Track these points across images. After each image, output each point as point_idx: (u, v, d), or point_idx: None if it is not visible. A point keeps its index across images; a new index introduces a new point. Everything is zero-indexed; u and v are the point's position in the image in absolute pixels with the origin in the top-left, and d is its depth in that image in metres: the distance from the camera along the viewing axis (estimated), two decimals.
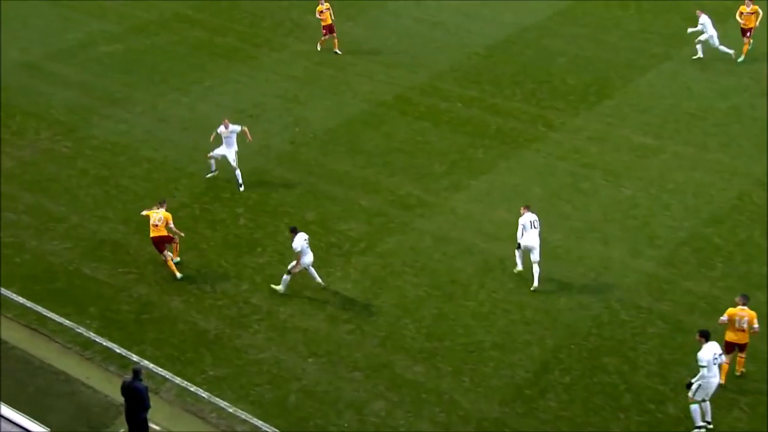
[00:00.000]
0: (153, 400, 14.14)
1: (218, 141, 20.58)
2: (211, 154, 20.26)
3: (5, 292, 17.22)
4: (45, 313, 16.79)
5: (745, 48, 26.39)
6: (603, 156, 22.26)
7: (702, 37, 26.23)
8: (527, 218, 17.62)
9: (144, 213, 18.17)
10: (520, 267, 17.91)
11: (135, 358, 15.89)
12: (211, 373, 15.69)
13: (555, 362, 16.04)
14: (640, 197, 20.69)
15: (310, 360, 16.06)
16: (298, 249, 16.96)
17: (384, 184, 21.26)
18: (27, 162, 21.29)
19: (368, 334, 16.67)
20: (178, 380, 15.49)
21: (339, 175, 21.55)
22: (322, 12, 26.90)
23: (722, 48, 26.22)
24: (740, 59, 26.27)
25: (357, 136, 23.22)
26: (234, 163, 20.40)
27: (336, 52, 26.97)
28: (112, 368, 15.68)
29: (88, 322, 16.66)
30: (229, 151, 20.39)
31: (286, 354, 16.15)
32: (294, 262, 17.17)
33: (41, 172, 20.98)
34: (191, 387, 15.41)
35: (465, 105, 24.78)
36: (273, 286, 17.57)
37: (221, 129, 20.44)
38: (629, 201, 20.57)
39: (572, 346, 16.39)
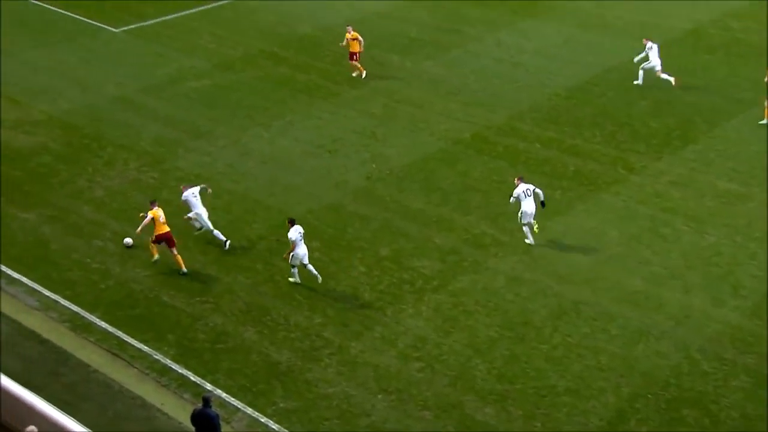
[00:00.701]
0: (224, 429, 14.34)
1: (188, 207, 20.10)
2: (189, 215, 20.10)
3: (90, 316, 17.86)
4: (125, 339, 17.32)
5: None
6: (686, 201, 21.70)
7: (645, 65, 27.22)
8: (521, 188, 19.75)
9: (147, 215, 18.79)
10: (530, 240, 19.96)
11: (209, 386, 16.19)
12: (281, 405, 15.83)
13: (631, 411, 15.55)
14: (724, 245, 20.03)
15: (379, 396, 16.03)
16: (293, 239, 18.44)
17: (458, 223, 21.22)
18: (115, 191, 22.17)
19: (439, 372, 16.55)
20: (249, 411, 15.68)
21: (414, 212, 21.64)
22: (351, 39, 27.75)
23: (664, 76, 27.16)
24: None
25: (433, 173, 23.32)
26: (209, 225, 19.98)
27: (353, 76, 28.03)
28: (186, 396, 16.00)
29: (165, 349, 17.09)
30: (201, 211, 19.97)
31: (356, 389, 16.17)
32: (290, 252, 18.55)
33: (128, 201, 21.80)
34: (262, 418, 15.57)
35: (543, 146, 24.61)
36: (290, 279, 18.77)
37: (184, 196, 19.96)
38: (712, 248, 19.93)
39: (649, 396, 15.88)
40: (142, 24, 32.14)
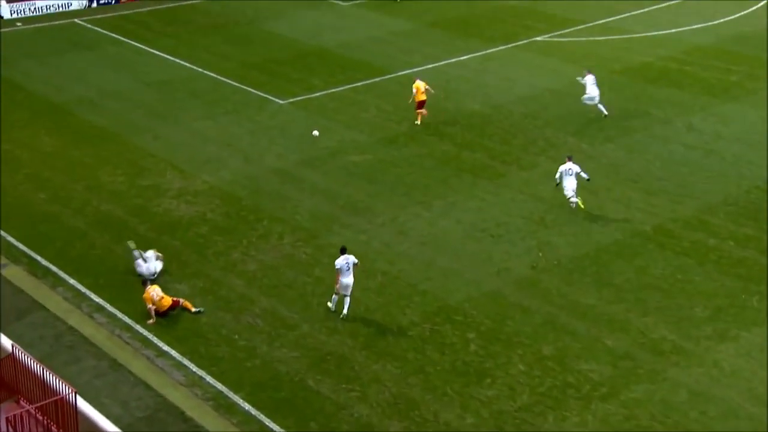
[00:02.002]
0: None
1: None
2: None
3: (234, 396, 18.57)
4: (267, 423, 17.81)
5: None
6: None
7: (584, 97, 30.59)
8: (566, 166, 24.53)
9: (148, 302, 20.56)
10: (573, 199, 24.62)
11: None
12: None
13: None
14: None
15: None
16: (338, 267, 20.39)
17: (634, 324, 20.46)
18: (268, 266, 23.26)
19: None
20: None
21: (582, 308, 21.12)
22: (420, 90, 30.55)
23: (600, 107, 30.57)
24: None
25: (606, 267, 22.74)
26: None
27: (416, 123, 30.80)
28: None
29: None
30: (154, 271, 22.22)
31: None
32: (336, 281, 20.50)
33: (280, 277, 22.78)
34: None
35: (738, 244, 23.44)
36: (327, 303, 20.87)
37: (145, 268, 22.16)
38: None
39: None
40: (308, 96, 34.12)
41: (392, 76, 35.34)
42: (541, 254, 23.37)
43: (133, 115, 32.57)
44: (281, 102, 33.66)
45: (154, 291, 20.88)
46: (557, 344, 19.86)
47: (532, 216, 25.27)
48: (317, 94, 34.24)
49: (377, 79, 35.54)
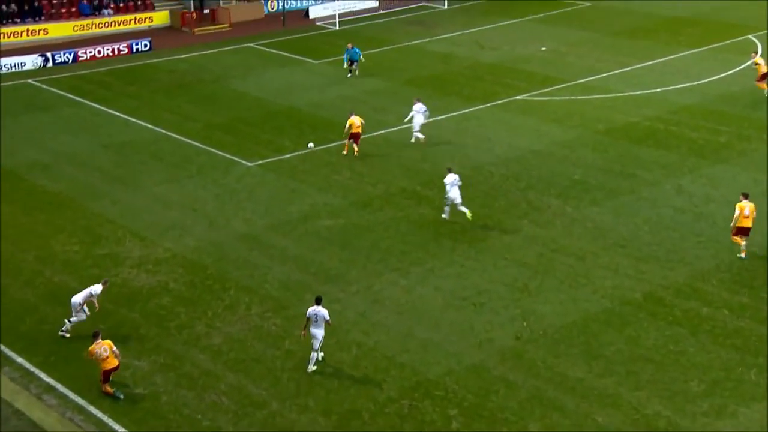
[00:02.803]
0: None
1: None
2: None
3: None
4: None
5: None
6: None
7: (414, 123, 34.90)
8: (449, 178, 29.11)
9: (90, 356, 20.48)
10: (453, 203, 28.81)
11: None
12: None
13: None
14: None
15: None
16: (307, 316, 21.38)
17: (626, 398, 20.43)
18: (234, 339, 23.07)
19: None
20: None
21: (571, 381, 21.09)
22: (356, 125, 33.54)
23: (416, 134, 34.99)
24: None
25: (595, 337, 22.80)
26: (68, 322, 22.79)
27: (343, 153, 33.96)
28: None
29: None
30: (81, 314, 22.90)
31: None
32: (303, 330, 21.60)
33: (247, 350, 22.57)
34: None
35: (733, 313, 23.65)
36: (309, 367, 21.47)
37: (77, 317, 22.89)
38: None
39: None
40: (278, 157, 34.36)
41: (366, 136, 35.69)
42: (525, 324, 23.40)
43: (90, 179, 32.58)
44: (249, 164, 33.85)
45: (102, 348, 20.42)
46: (545, 421, 19.75)
47: (516, 283, 25.37)
48: (287, 156, 34.50)
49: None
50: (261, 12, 57.06)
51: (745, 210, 25.98)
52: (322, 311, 21.31)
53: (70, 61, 46.83)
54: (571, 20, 54.38)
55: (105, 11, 52.51)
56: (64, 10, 51.53)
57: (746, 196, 26.30)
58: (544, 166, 33.07)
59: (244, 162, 33.99)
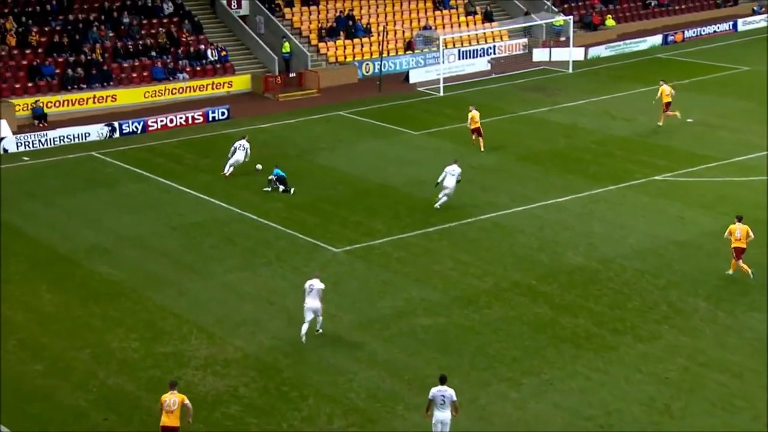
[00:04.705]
0: None
1: None
2: None
3: None
4: None
5: None
6: None
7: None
8: (448, 168, 36.45)
9: (161, 403, 21.88)
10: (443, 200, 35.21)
11: None
12: None
13: None
14: None
15: None
16: (430, 398, 22.22)
17: None
18: None
19: None
20: None
21: None
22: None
23: (229, 165, 40.47)
24: None
25: None
26: None
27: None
28: None
29: None
30: None
31: None
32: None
33: None
34: None
35: None
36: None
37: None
38: None
39: None
40: (368, 243, 34.62)
41: (472, 220, 35.70)
42: None
43: (155, 266, 33.41)
44: (335, 250, 34.19)
45: (172, 399, 21.94)
46: None
47: (654, 403, 24.61)
48: (379, 241, 34.73)
49: (454, 224, 35.96)
50: (354, 76, 58.45)
51: (736, 232, 30.12)
52: (449, 391, 21.49)
53: (138, 131, 48.73)
54: (724, 87, 53.84)
55: (180, 75, 54.64)
56: (135, 75, 53.86)
57: (739, 219, 30.49)
58: (689, 261, 32.34)
59: (329, 247, 34.36)
